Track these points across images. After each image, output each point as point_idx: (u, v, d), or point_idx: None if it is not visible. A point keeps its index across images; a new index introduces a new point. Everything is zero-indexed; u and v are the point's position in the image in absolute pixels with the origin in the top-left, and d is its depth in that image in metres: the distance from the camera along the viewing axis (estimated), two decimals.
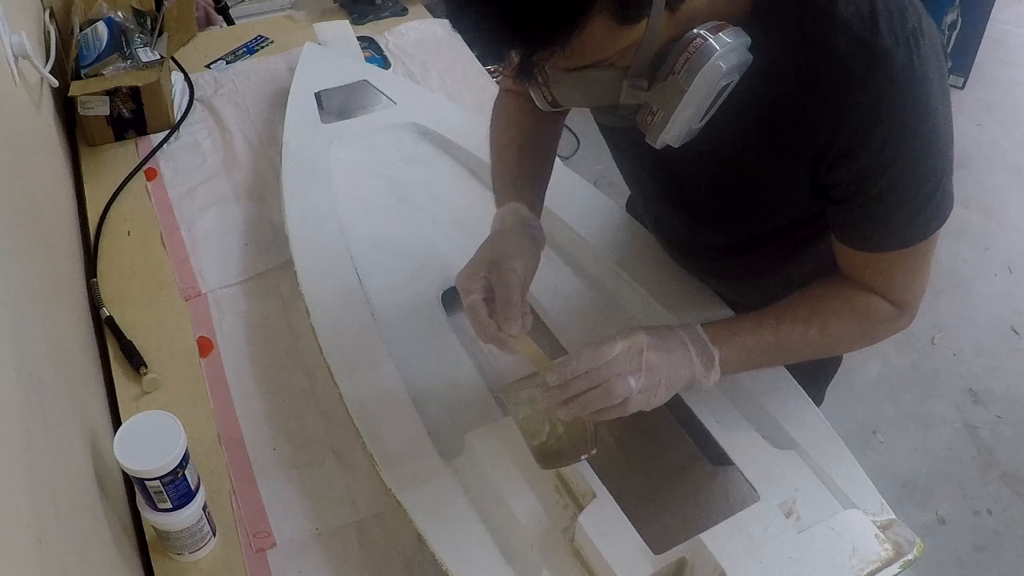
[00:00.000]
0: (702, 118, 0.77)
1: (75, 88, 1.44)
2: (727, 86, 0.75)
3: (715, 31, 0.72)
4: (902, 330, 0.90)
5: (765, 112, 0.81)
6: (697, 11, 0.73)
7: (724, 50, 0.72)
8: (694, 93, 0.73)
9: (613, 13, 0.67)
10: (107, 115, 1.47)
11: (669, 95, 0.74)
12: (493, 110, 1.11)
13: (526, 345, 0.86)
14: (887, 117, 0.75)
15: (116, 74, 1.48)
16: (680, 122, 0.76)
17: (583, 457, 0.85)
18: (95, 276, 1.25)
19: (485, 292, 0.88)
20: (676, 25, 0.73)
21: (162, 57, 1.52)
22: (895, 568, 0.80)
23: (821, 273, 0.92)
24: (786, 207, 0.90)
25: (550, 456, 0.86)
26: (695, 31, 0.72)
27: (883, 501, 0.88)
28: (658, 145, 0.79)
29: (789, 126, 0.80)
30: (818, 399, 1.22)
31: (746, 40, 0.74)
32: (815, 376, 1.20)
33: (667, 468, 1.01)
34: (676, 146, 0.80)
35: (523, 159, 1.03)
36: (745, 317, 0.88)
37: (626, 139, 0.97)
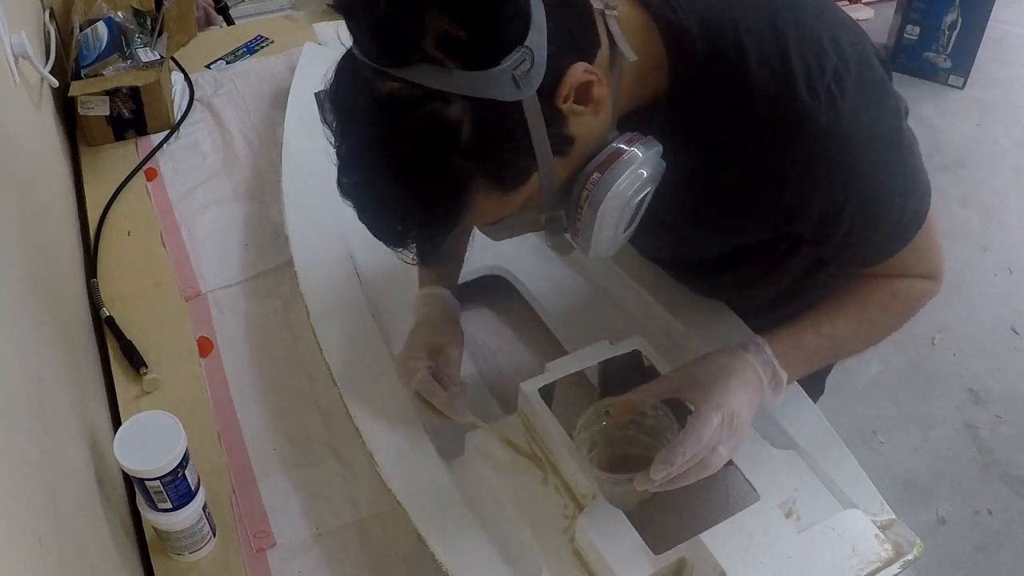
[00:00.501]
0: (627, 227, 0.76)
1: (75, 88, 1.44)
2: (644, 197, 0.74)
3: (613, 160, 0.71)
4: (936, 294, 0.93)
5: (709, 184, 0.81)
6: (596, 130, 0.71)
7: (622, 180, 0.70)
8: (603, 221, 0.72)
9: (494, 187, 0.67)
10: (107, 115, 1.47)
11: (583, 224, 0.74)
12: None
13: (473, 418, 0.91)
14: (825, 172, 0.75)
15: (116, 74, 1.48)
16: (602, 242, 0.75)
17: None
18: (95, 276, 1.25)
19: (428, 372, 0.91)
20: (577, 157, 0.71)
21: (162, 57, 1.52)
22: (895, 568, 0.80)
23: (813, 273, 0.95)
24: (759, 245, 0.92)
25: (632, 504, 0.86)
26: (591, 166, 0.71)
27: (883, 501, 0.88)
28: (591, 258, 0.78)
29: (735, 194, 0.81)
30: (818, 390, 1.23)
31: (654, 151, 0.73)
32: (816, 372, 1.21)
33: None
34: (611, 254, 0.79)
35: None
36: (805, 327, 0.88)
37: None
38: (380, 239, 0.70)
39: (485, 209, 0.69)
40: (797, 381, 0.97)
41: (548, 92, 0.64)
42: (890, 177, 0.78)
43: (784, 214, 0.81)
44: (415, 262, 0.75)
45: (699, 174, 0.80)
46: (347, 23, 0.64)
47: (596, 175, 0.71)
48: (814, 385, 1.11)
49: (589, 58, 0.68)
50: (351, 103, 0.65)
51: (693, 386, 0.82)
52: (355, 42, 0.64)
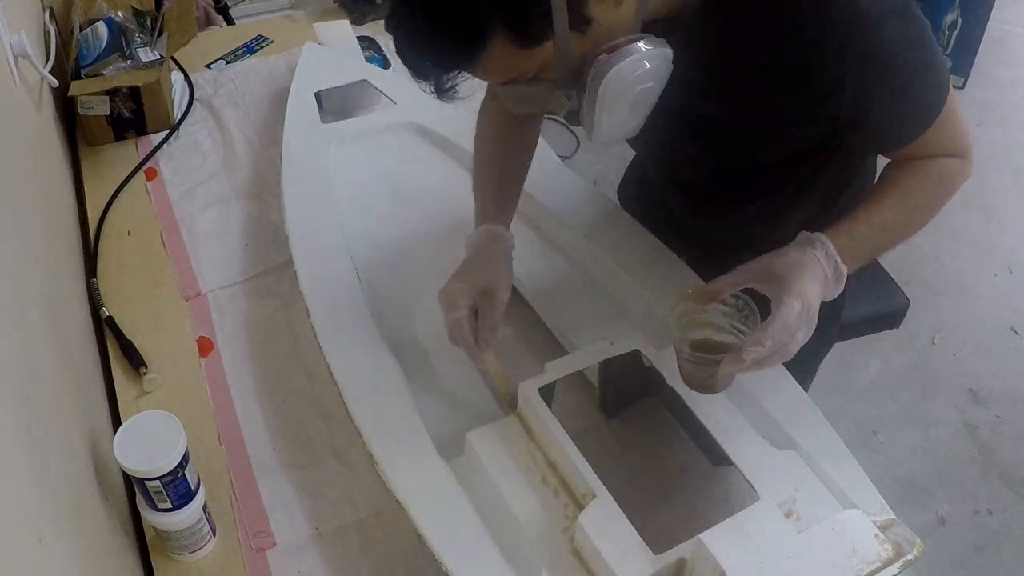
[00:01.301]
0: (635, 117, 0.85)
1: (75, 88, 1.44)
2: (648, 90, 0.82)
3: (620, 47, 0.78)
4: (969, 176, 0.96)
5: (749, 77, 0.87)
6: (615, 20, 0.78)
7: (622, 66, 0.78)
8: (603, 105, 0.80)
9: (512, 39, 0.75)
10: (107, 115, 1.47)
11: (587, 106, 0.81)
12: (476, 125, 1.16)
13: (494, 364, 1.00)
14: (855, 47, 0.80)
15: (116, 74, 1.48)
16: (603, 127, 0.83)
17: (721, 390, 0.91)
18: (95, 276, 1.25)
19: (470, 311, 0.99)
20: (593, 41, 0.78)
21: (162, 57, 1.52)
22: (895, 568, 0.80)
23: (825, 211, 0.99)
24: (790, 139, 0.95)
25: (705, 387, 0.91)
26: (600, 49, 0.78)
27: (883, 501, 0.88)
28: (594, 143, 0.86)
29: (773, 82, 0.86)
30: (809, 377, 1.25)
31: (660, 52, 0.79)
32: (805, 353, 1.22)
33: (667, 468, 1.01)
34: (614, 143, 0.88)
35: (500, 174, 1.11)
36: (857, 220, 0.91)
37: None
38: (409, 68, 0.79)
39: (501, 60, 0.77)
40: (788, 369, 0.99)
41: None
42: (913, 51, 0.84)
43: (819, 97, 0.86)
44: (434, 93, 0.82)
45: (740, 69, 0.87)
46: None
47: (603, 56, 0.78)
48: (806, 370, 1.12)
49: None
50: None
51: (772, 277, 0.87)
52: None
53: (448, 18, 0.74)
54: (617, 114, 0.83)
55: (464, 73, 0.80)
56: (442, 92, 0.81)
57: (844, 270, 0.88)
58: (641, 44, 0.78)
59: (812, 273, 0.86)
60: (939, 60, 0.88)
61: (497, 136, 1.13)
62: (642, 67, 0.79)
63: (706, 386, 0.89)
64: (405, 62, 0.79)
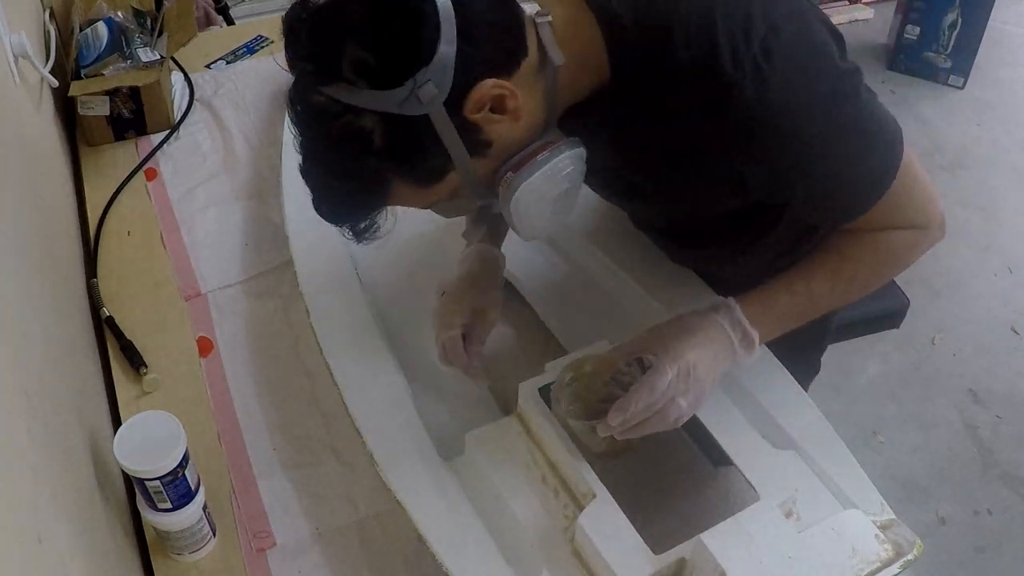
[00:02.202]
0: (560, 212, 0.84)
1: (75, 88, 1.44)
2: (565, 191, 0.81)
3: (525, 162, 0.78)
4: (937, 242, 0.92)
5: (666, 155, 0.85)
6: (517, 133, 0.77)
7: (530, 181, 0.78)
8: (521, 215, 0.81)
9: (412, 183, 0.77)
10: (107, 115, 1.47)
11: (507, 216, 0.82)
12: None
13: (485, 377, 1.03)
14: (760, 140, 0.78)
15: (116, 74, 1.48)
16: (529, 229, 0.84)
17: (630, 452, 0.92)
18: (95, 276, 1.25)
19: (463, 330, 1.00)
20: (498, 157, 0.79)
21: (162, 57, 1.52)
22: (895, 568, 0.80)
23: (792, 248, 0.97)
24: (718, 208, 0.94)
25: (614, 452, 0.91)
26: (506, 166, 0.79)
27: (883, 501, 0.88)
28: (526, 239, 0.88)
29: (689, 162, 0.84)
30: (812, 370, 1.24)
31: (569, 154, 0.79)
32: (806, 346, 1.21)
33: (667, 468, 1.01)
34: (546, 236, 0.91)
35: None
36: (777, 286, 0.90)
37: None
38: (322, 217, 0.81)
39: (407, 198, 0.80)
40: (789, 366, 0.99)
41: (456, 105, 0.72)
42: (837, 140, 0.79)
43: (736, 178, 0.84)
44: (353, 239, 0.83)
45: (655, 147, 0.85)
46: (285, 48, 0.75)
47: (509, 174, 0.79)
48: (808, 366, 1.11)
49: (507, 70, 0.74)
50: (297, 107, 0.75)
51: (658, 342, 0.86)
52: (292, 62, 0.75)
53: (345, 178, 0.76)
54: (539, 217, 0.83)
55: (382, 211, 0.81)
56: (360, 235, 0.82)
57: (755, 336, 0.87)
58: (545, 155, 0.78)
59: (705, 337, 0.86)
60: (882, 140, 0.83)
61: None
62: (550, 175, 0.79)
63: (610, 453, 0.90)
64: (319, 213, 0.81)
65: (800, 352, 1.00)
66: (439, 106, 0.71)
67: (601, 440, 0.87)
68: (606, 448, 0.89)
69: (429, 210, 0.87)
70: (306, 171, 0.78)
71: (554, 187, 0.80)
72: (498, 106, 0.74)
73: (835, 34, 0.80)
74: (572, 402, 0.91)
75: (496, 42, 0.74)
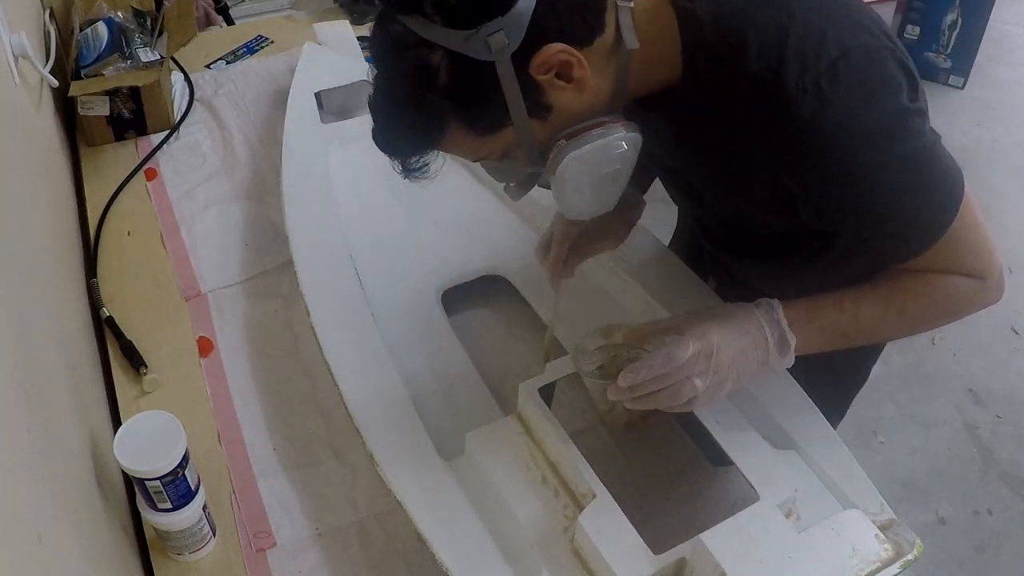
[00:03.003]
0: (605, 196, 0.85)
1: (75, 88, 1.44)
2: (613, 173, 0.81)
3: (580, 133, 0.78)
4: (993, 301, 0.90)
5: (723, 163, 0.86)
6: (578, 106, 0.78)
7: (580, 152, 0.78)
8: (565, 187, 0.81)
9: (468, 129, 0.78)
10: (107, 115, 1.47)
11: (552, 187, 0.83)
12: None
13: (562, 297, 1.00)
14: (812, 163, 0.77)
15: (116, 74, 1.48)
16: (571, 205, 0.85)
17: (649, 421, 0.93)
18: (95, 276, 1.25)
19: (578, 233, 0.99)
20: (556, 125, 0.79)
21: (162, 57, 1.52)
22: (895, 568, 0.80)
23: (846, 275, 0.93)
24: (769, 225, 0.93)
25: (616, 423, 0.92)
26: (561, 134, 0.79)
27: (883, 501, 0.88)
28: (570, 216, 0.89)
29: (743, 173, 0.85)
30: (839, 414, 1.24)
31: (624, 136, 0.79)
32: (839, 390, 1.22)
33: (667, 468, 1.01)
34: (587, 218, 0.89)
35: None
36: (826, 299, 0.88)
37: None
38: (379, 148, 0.83)
39: (462, 145, 0.80)
40: (822, 399, 0.97)
41: (523, 61, 0.73)
42: (892, 174, 0.78)
43: (785, 197, 0.83)
44: (402, 173, 0.85)
45: (714, 152, 0.86)
46: None
47: (562, 142, 0.79)
48: (837, 408, 1.09)
49: (580, 41, 0.75)
50: (376, 36, 0.78)
51: (689, 321, 0.85)
52: None
53: (407, 109, 0.78)
54: (582, 194, 0.83)
55: (433, 153, 0.82)
56: (409, 172, 0.84)
57: (792, 340, 0.85)
58: (600, 131, 0.78)
59: (739, 328, 0.84)
60: (941, 182, 0.81)
61: None
62: (602, 153, 0.79)
63: (618, 422, 0.90)
64: (377, 143, 0.82)
65: (831, 397, 0.99)
66: (507, 58, 0.72)
67: (611, 407, 0.87)
68: (615, 416, 0.89)
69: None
70: (373, 101, 0.80)
71: (603, 165, 0.80)
72: (564, 73, 0.75)
73: (908, 74, 0.79)
74: (592, 364, 0.91)
75: (575, 11, 0.75)
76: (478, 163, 0.86)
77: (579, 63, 0.74)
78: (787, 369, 0.94)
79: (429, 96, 0.75)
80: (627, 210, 1.02)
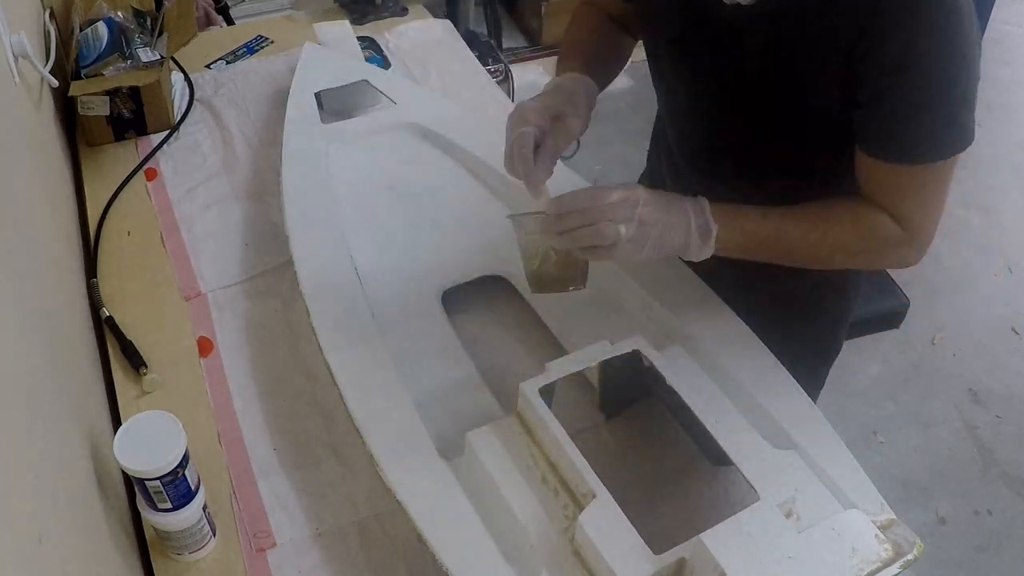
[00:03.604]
0: None
1: (75, 88, 1.44)
2: None
3: None
4: (909, 264, 0.93)
5: (798, 16, 0.87)
6: None
7: None
8: None
9: None
10: (107, 115, 1.47)
11: None
12: (569, 21, 1.16)
13: (545, 195, 0.92)
14: (915, 11, 0.79)
15: (116, 74, 1.48)
16: None
17: (570, 289, 0.94)
18: (95, 276, 1.25)
19: (538, 131, 0.93)
20: None
21: (162, 57, 1.52)
22: (895, 568, 0.80)
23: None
24: (815, 107, 0.93)
25: (542, 280, 0.94)
26: None
27: (883, 501, 0.88)
28: None
29: (826, 12, 0.85)
30: (818, 383, 1.23)
31: None
32: (815, 360, 1.22)
33: (667, 468, 1.01)
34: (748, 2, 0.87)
35: (588, 60, 1.07)
36: (751, 207, 0.91)
37: (682, 50, 1.02)
38: None
39: None
40: (798, 366, 0.99)
41: None
42: (963, 69, 0.82)
43: (860, 51, 0.84)
44: None
45: (790, 11, 0.87)
46: None
47: None
48: (814, 378, 1.10)
49: None
50: None
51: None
52: None
53: None
54: None
55: None
56: None
57: (714, 229, 0.89)
58: None
59: (665, 199, 0.88)
60: (968, 117, 0.85)
61: (592, 28, 1.13)
62: None
63: (547, 278, 0.93)
64: None
65: (808, 366, 1.00)
66: None
67: (538, 258, 0.90)
68: (542, 271, 0.92)
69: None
70: None
71: None
72: None
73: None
74: (523, 223, 0.93)
75: None
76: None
77: None
78: (760, 339, 0.99)
79: None
80: (583, 94, 1.00)
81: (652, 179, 1.28)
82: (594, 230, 0.85)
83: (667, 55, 1.05)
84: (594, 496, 0.84)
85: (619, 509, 0.83)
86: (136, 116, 1.50)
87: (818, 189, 1.00)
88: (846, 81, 0.87)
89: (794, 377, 0.99)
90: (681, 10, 0.97)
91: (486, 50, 2.75)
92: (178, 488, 0.86)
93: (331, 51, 1.62)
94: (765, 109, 0.98)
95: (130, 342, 1.14)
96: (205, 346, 1.15)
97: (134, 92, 1.47)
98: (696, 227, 0.89)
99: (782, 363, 1.00)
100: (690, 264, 1.12)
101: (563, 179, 1.29)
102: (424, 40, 1.82)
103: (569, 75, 1.01)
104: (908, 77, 0.83)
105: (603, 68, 1.08)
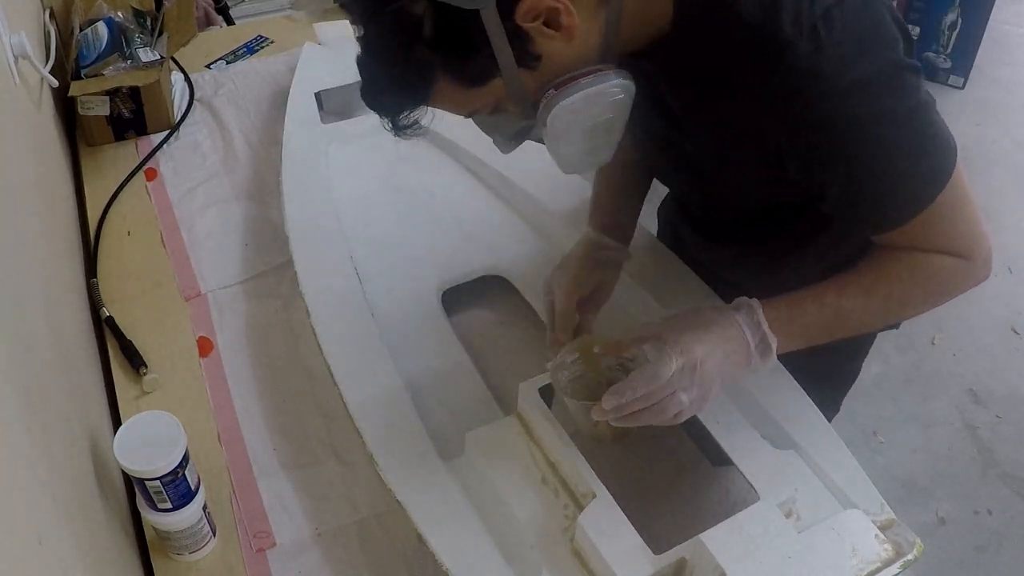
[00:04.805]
0: (600, 148, 0.84)
1: (75, 88, 1.44)
2: (607, 122, 0.80)
3: (569, 82, 0.77)
4: (984, 279, 0.87)
5: (713, 116, 0.84)
6: (568, 55, 0.76)
7: (569, 101, 0.77)
8: (557, 138, 0.80)
9: (456, 81, 0.76)
10: (107, 115, 1.47)
11: (545, 139, 0.82)
12: None
13: (577, 342, 0.95)
14: (803, 110, 0.75)
15: (116, 74, 1.48)
16: (565, 157, 0.84)
17: (626, 440, 0.92)
18: (95, 276, 1.25)
19: (578, 303, 0.99)
20: (545, 74, 0.77)
21: (162, 57, 1.52)
22: (895, 568, 0.80)
23: (829, 266, 0.92)
24: (760, 193, 0.92)
25: (596, 437, 0.91)
26: (551, 84, 0.78)
27: (883, 501, 0.88)
28: (564, 171, 0.86)
29: (732, 127, 0.83)
30: (833, 409, 1.22)
31: (616, 83, 0.78)
32: (830, 387, 1.21)
33: (667, 468, 1.01)
34: (583, 172, 0.89)
35: (614, 178, 1.09)
36: (806, 295, 0.86)
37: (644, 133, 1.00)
38: (370, 107, 0.81)
39: (451, 98, 0.79)
40: (813, 395, 0.97)
41: (508, 9, 0.72)
42: (883, 127, 0.76)
43: (774, 151, 0.81)
44: (393, 132, 0.84)
45: (705, 106, 0.85)
46: None
47: (552, 92, 0.78)
48: (829, 404, 1.09)
49: None
50: None
51: (669, 332, 0.83)
52: None
53: (393, 64, 0.76)
54: (576, 145, 0.82)
55: (423, 109, 0.81)
56: (399, 130, 0.82)
57: (773, 342, 0.83)
58: (591, 79, 0.77)
59: (720, 335, 0.83)
60: (932, 147, 0.79)
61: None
62: (593, 102, 0.78)
63: (601, 436, 0.90)
64: (365, 101, 0.81)
65: (825, 392, 0.98)
66: (491, 5, 0.71)
67: (595, 423, 0.86)
68: (600, 432, 0.89)
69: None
70: (360, 59, 0.78)
71: (595, 113, 0.79)
72: (552, 21, 0.73)
73: (904, 30, 0.78)
74: (572, 379, 0.91)
75: None
76: (470, 118, 0.85)
77: (567, 10, 0.73)
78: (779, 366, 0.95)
79: (414, 49, 0.73)
80: (613, 264, 1.04)
81: (666, 236, 1.24)
82: (657, 410, 0.81)
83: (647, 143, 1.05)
84: (594, 496, 0.84)
85: (619, 509, 0.83)
86: (136, 116, 1.50)
87: (805, 247, 0.99)
88: (773, 168, 0.84)
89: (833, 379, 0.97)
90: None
91: None
92: (178, 488, 0.86)
93: (331, 51, 1.62)
94: (708, 186, 0.98)
95: (130, 342, 1.14)
96: (205, 346, 1.15)
97: (134, 92, 1.47)
98: (755, 347, 0.84)
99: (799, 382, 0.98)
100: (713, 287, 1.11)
101: (563, 180, 1.29)
102: None
103: (581, 240, 1.04)
104: (839, 169, 0.79)
105: (629, 194, 1.10)
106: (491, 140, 0.89)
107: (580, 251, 1.03)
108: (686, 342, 0.81)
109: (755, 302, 0.85)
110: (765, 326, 0.84)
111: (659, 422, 0.82)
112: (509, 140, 0.87)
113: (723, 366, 0.83)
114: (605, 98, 0.78)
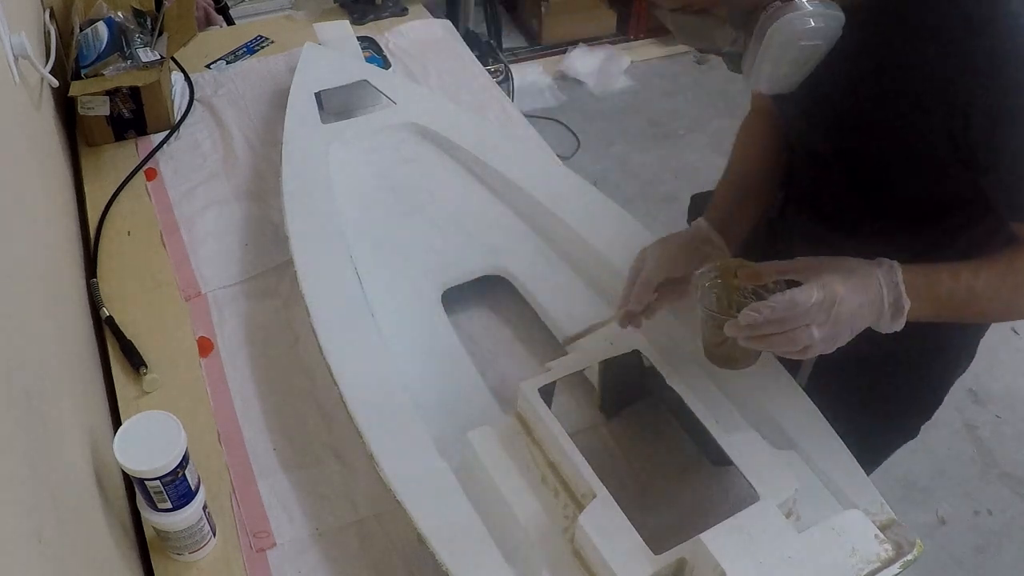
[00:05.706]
0: (795, 74, 0.84)
1: (75, 88, 1.44)
2: (813, 48, 0.81)
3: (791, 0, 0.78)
4: None
5: (905, 72, 0.85)
6: None
7: (792, 17, 0.78)
8: (768, 53, 0.81)
9: None
10: (107, 115, 1.47)
11: (752, 51, 0.82)
12: (741, 125, 1.16)
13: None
14: (1017, 70, 0.77)
15: (116, 74, 1.48)
16: (764, 75, 0.84)
17: (741, 367, 0.92)
18: (95, 276, 1.25)
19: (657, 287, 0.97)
20: None
21: (162, 57, 1.52)
22: (895, 568, 0.80)
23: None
24: (933, 172, 0.91)
25: (717, 357, 0.92)
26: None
27: (883, 501, 0.88)
28: (753, 89, 0.88)
29: (924, 68, 0.83)
30: (876, 463, 1.25)
31: (833, 13, 0.79)
32: (881, 444, 1.26)
33: (667, 468, 1.01)
34: (769, 93, 0.88)
35: (741, 179, 1.09)
36: (942, 268, 0.87)
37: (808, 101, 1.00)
38: None
39: None
40: (895, 421, 0.96)
41: None
42: None
43: (962, 106, 0.82)
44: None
45: (903, 61, 0.85)
46: None
47: (776, 3, 0.79)
48: (873, 458, 1.08)
49: None
50: None
51: (813, 269, 0.84)
52: None
53: None
54: (779, 66, 0.83)
55: None
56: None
57: (906, 304, 0.84)
58: (816, 1, 0.79)
59: (861, 283, 0.83)
60: None
61: (754, 155, 1.12)
62: (811, 23, 0.79)
63: (723, 357, 0.90)
64: None
65: (872, 447, 0.98)
66: None
67: (722, 341, 0.87)
68: (724, 352, 0.90)
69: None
70: None
71: (807, 36, 0.80)
72: None
73: None
74: (708, 295, 0.91)
75: None
76: (669, 15, 0.85)
77: None
78: (823, 414, 0.95)
79: None
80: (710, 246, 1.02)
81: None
82: (788, 337, 0.81)
83: (804, 113, 1.04)
84: (594, 496, 0.84)
85: (619, 509, 0.83)
86: (136, 116, 1.50)
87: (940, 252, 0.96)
88: (959, 151, 0.85)
89: (887, 433, 0.96)
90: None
91: (486, 50, 2.75)
92: (178, 488, 0.86)
93: (331, 51, 1.62)
94: (868, 166, 0.97)
95: (130, 342, 1.14)
96: (205, 346, 1.15)
97: (134, 92, 1.47)
98: (888, 305, 0.84)
99: (877, 419, 0.97)
100: None
101: (563, 180, 1.30)
102: (424, 40, 1.82)
103: (692, 227, 1.03)
104: (1018, 136, 0.81)
105: (754, 206, 1.09)
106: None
107: (686, 236, 1.02)
108: (829, 280, 0.82)
109: (895, 263, 0.86)
110: (903, 288, 0.84)
111: (786, 351, 0.83)
112: (700, 49, 0.88)
113: (857, 313, 0.83)
114: (822, 21, 0.79)
